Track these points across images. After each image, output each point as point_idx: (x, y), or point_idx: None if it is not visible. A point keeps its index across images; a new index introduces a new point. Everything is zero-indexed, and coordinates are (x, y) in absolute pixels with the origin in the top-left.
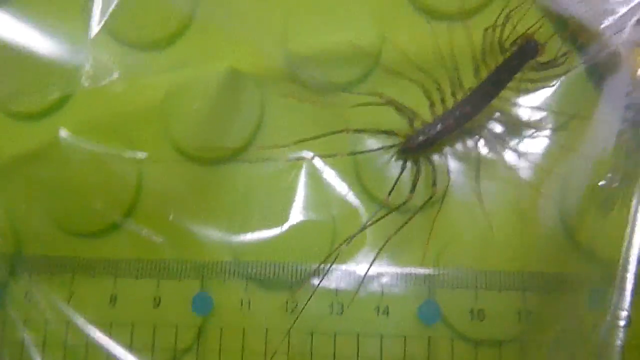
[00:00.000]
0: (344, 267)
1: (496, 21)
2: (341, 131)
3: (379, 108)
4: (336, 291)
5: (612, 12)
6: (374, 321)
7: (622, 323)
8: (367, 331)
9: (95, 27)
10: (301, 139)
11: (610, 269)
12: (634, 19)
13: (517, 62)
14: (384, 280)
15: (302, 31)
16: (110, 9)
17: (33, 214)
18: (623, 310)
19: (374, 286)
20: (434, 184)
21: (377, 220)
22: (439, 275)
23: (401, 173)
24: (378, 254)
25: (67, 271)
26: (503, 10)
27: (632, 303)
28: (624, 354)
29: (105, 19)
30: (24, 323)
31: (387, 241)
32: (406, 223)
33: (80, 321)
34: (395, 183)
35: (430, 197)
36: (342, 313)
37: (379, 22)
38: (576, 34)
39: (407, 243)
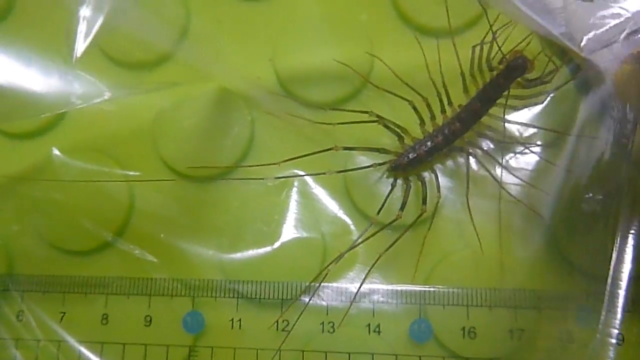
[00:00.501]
0: (335, 285)
1: (484, 38)
2: (330, 149)
3: (369, 125)
4: (327, 309)
5: (599, 27)
6: (365, 340)
7: (613, 341)
8: (358, 350)
9: (80, 48)
10: (291, 158)
11: (597, 285)
12: (623, 34)
13: (505, 79)
14: (376, 298)
15: (291, 50)
16: (95, 30)
17: (25, 233)
18: (614, 329)
19: (366, 304)
20: (424, 202)
21: (366, 239)
22: (430, 293)
23: (391, 191)
24: (369, 272)
25: (59, 290)
26: (491, 27)
27: (622, 321)
28: None
29: (89, 40)
30: (15, 342)
31: (377, 260)
32: (396, 241)
33: (72, 340)
34: (385, 201)
35: (420, 215)
36: (333, 332)
37: (368, 40)
38: (564, 50)
39: (398, 261)
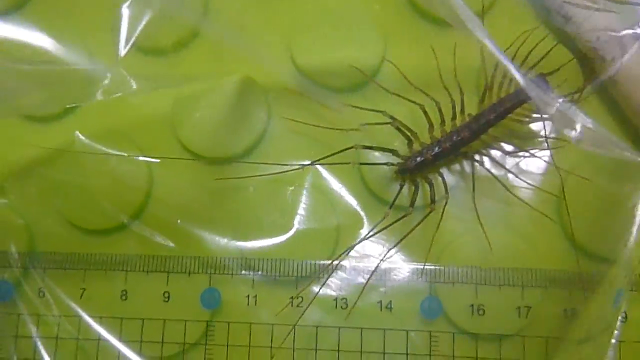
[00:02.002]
0: (348, 264)
1: (510, 47)
2: (351, 148)
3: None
4: (341, 287)
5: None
6: (377, 316)
7: (619, 319)
8: (370, 326)
9: (122, 48)
10: (315, 161)
11: (602, 266)
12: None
13: (524, 97)
14: (387, 276)
15: (308, 45)
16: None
17: (46, 213)
18: (618, 307)
19: (377, 282)
20: (432, 201)
21: (376, 233)
22: (440, 272)
23: (400, 190)
24: (378, 265)
25: (79, 267)
26: (517, 39)
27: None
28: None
29: (134, 37)
30: (37, 318)
31: (385, 254)
32: (406, 236)
33: (92, 315)
34: (395, 200)
35: (428, 213)
36: (346, 307)
37: (383, 37)
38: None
39: (410, 242)
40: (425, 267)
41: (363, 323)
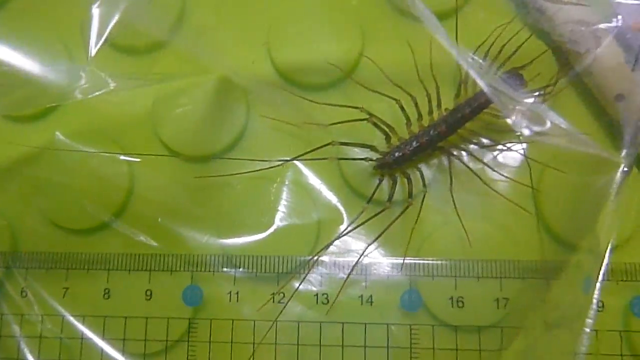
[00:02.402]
0: (329, 259)
1: (484, 42)
2: (329, 144)
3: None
4: (321, 282)
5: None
6: (358, 310)
7: (593, 308)
8: (352, 320)
9: (93, 46)
10: (295, 157)
11: (578, 255)
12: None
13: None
14: (368, 270)
15: (286, 41)
16: (103, 22)
17: (28, 213)
18: (593, 296)
19: (358, 277)
20: (410, 196)
21: (355, 228)
22: (419, 265)
23: (378, 185)
24: (359, 260)
25: (61, 267)
26: (492, 33)
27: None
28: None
29: (103, 38)
30: (20, 317)
31: (365, 249)
32: (384, 231)
33: (75, 315)
34: (373, 195)
35: (406, 208)
36: (327, 303)
37: (361, 33)
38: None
39: (390, 236)
40: (405, 260)
41: (344, 317)
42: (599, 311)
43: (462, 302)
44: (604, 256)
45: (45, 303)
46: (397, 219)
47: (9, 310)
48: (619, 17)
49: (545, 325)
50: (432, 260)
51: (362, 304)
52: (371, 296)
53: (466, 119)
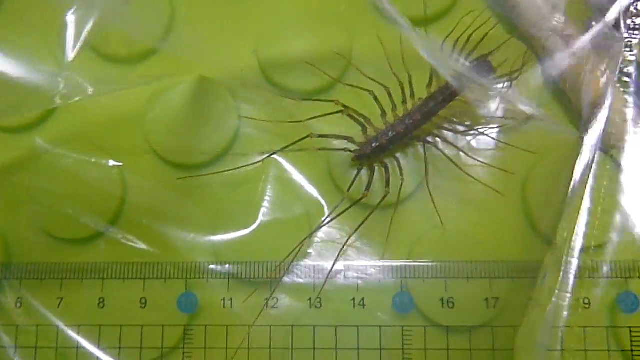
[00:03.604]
0: (320, 263)
1: (452, 32)
2: (307, 137)
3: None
4: (314, 286)
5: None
6: (351, 313)
7: (565, 304)
8: (344, 323)
9: (70, 51)
10: (275, 151)
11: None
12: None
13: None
14: (359, 274)
15: (274, 41)
16: (84, 27)
17: (21, 223)
18: (567, 293)
19: (350, 280)
20: (387, 185)
21: (337, 217)
22: (410, 268)
23: (357, 175)
24: (341, 251)
25: (56, 277)
26: (460, 21)
27: (575, 286)
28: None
29: (79, 37)
30: (15, 328)
31: (349, 238)
32: (364, 221)
33: (70, 324)
34: (351, 184)
35: (384, 197)
36: (320, 307)
37: (346, 29)
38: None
39: (380, 239)
40: (396, 263)
41: (337, 321)
42: (585, 308)
43: (453, 303)
44: (570, 250)
45: (41, 313)
46: (376, 207)
47: (5, 321)
48: None
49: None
50: (423, 262)
51: (354, 307)
52: (363, 299)
53: (439, 107)
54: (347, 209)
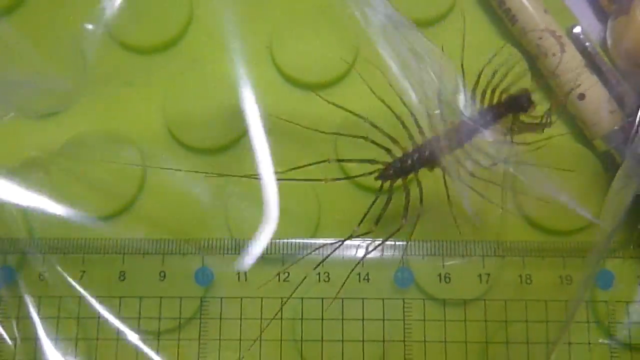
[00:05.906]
0: (330, 240)
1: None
2: (324, 161)
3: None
4: (323, 262)
5: None
6: (356, 287)
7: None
8: (350, 295)
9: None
10: (292, 168)
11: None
12: None
13: (506, 110)
14: (365, 251)
15: (287, 45)
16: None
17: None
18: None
19: (356, 257)
20: (405, 213)
21: (340, 245)
22: (411, 245)
23: (374, 202)
24: (358, 263)
25: (78, 252)
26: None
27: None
28: None
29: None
30: (38, 300)
31: (364, 256)
32: (377, 248)
33: (92, 296)
34: (366, 214)
35: (398, 229)
36: (328, 281)
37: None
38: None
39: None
40: (398, 242)
41: (344, 294)
42: (567, 284)
43: (449, 278)
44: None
45: (63, 285)
46: (387, 238)
47: (28, 292)
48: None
49: None
50: (422, 241)
51: (359, 281)
52: (368, 274)
53: (469, 136)
54: (357, 236)
